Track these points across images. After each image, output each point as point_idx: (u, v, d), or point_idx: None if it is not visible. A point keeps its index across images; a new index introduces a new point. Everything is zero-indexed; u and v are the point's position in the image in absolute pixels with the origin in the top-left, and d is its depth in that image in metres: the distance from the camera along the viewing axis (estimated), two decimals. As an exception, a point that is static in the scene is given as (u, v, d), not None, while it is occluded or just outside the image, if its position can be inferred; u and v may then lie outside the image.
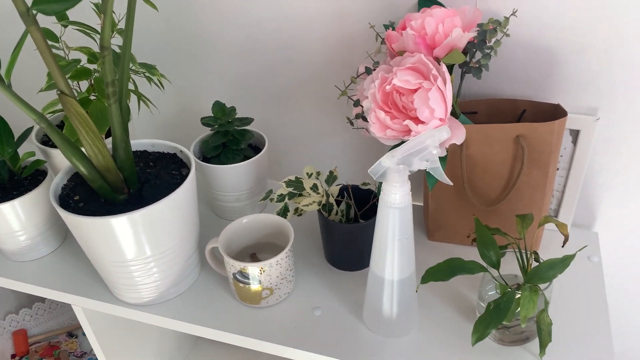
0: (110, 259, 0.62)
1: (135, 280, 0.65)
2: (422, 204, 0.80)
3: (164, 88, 0.78)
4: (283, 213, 0.72)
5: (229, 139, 0.77)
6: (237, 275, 0.65)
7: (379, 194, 0.60)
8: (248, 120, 0.79)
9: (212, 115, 0.77)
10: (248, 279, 0.65)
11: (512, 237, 0.62)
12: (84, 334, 1.06)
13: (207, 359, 1.02)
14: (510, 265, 0.61)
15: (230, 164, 0.76)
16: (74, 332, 1.06)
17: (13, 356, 0.99)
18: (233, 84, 0.85)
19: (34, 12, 0.44)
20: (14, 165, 0.72)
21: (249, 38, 0.80)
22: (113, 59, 0.53)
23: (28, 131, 0.73)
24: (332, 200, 0.71)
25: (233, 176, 0.77)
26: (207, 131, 0.81)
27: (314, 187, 0.70)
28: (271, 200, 0.72)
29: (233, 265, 0.64)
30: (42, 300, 1.06)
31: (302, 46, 0.78)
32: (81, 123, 0.53)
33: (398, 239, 0.55)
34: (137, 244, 0.60)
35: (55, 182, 0.63)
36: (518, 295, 0.56)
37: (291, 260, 0.67)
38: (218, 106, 0.77)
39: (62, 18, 0.72)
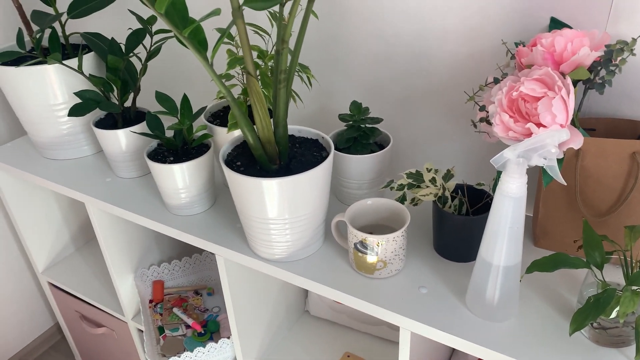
0: (256, 215, 0.75)
1: (272, 237, 0.78)
2: (531, 215, 0.86)
3: (311, 86, 0.92)
4: (401, 200, 0.81)
5: (360, 134, 0.89)
6: (358, 245, 0.75)
7: (494, 191, 0.67)
8: (378, 120, 0.90)
9: (349, 112, 0.89)
10: (366, 249, 0.75)
11: (618, 244, 0.66)
12: (208, 294, 1.22)
13: (306, 331, 1.14)
14: (613, 276, 0.65)
15: (359, 154, 0.87)
16: (200, 291, 1.23)
17: (151, 301, 1.18)
18: (367, 87, 0.97)
19: (244, 7, 0.58)
20: (188, 136, 0.89)
21: (386, 47, 0.91)
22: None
23: (202, 110, 0.90)
24: (447, 194, 0.79)
25: (360, 166, 0.88)
26: (341, 126, 0.93)
27: (433, 180, 0.79)
28: (391, 188, 0.82)
29: (355, 235, 0.75)
30: (179, 258, 1.24)
31: (434, 58, 0.88)
32: (258, 100, 0.67)
33: (509, 226, 0.62)
34: (279, 206, 0.73)
35: (223, 149, 0.79)
36: (619, 294, 0.60)
37: (405, 241, 0.76)
38: (355, 105, 0.89)
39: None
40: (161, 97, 0.86)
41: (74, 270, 1.34)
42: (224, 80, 0.81)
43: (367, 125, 0.89)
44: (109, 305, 1.23)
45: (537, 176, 0.86)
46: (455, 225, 0.77)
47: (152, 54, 0.97)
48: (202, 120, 0.93)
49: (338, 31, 0.94)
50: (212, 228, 0.90)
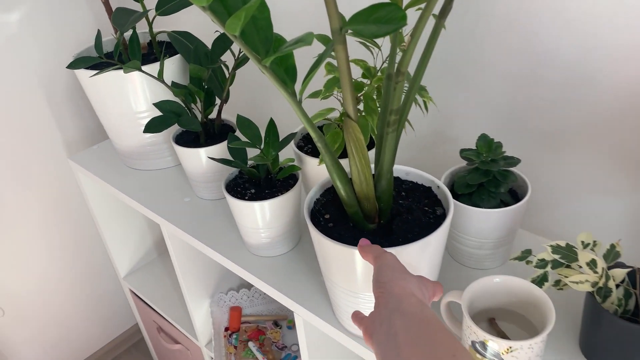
0: (344, 285, 0.59)
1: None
2: None
3: (427, 111, 0.73)
4: (540, 281, 0.60)
5: (489, 180, 0.68)
6: (477, 345, 0.56)
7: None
8: (514, 162, 0.69)
9: (475, 148, 0.69)
10: (487, 352, 0.55)
11: None
12: (288, 327, 1.09)
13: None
14: None
15: (483, 207, 0.67)
16: (280, 322, 1.10)
17: (226, 329, 1.07)
18: (502, 115, 0.76)
19: (347, 30, 0.41)
20: (273, 168, 0.74)
21: (534, 66, 0.69)
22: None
23: (291, 136, 0.75)
24: (611, 284, 0.57)
25: (483, 221, 0.68)
26: (460, 161, 0.73)
27: (592, 264, 0.57)
28: (527, 262, 0.61)
29: (475, 332, 0.56)
30: (260, 284, 1.13)
31: (601, 84, 0.65)
32: (357, 149, 0.50)
33: None
34: (355, 277, 0.56)
35: (309, 195, 0.62)
36: None
37: (544, 346, 0.56)
38: (484, 140, 0.68)
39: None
40: (243, 123, 0.72)
41: (154, 280, 1.27)
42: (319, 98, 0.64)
43: (500, 169, 0.68)
44: (184, 326, 1.14)
45: None
46: (619, 331, 0.55)
47: (241, 61, 0.83)
48: (291, 145, 0.78)
49: (468, 42, 0.74)
50: (293, 277, 0.75)
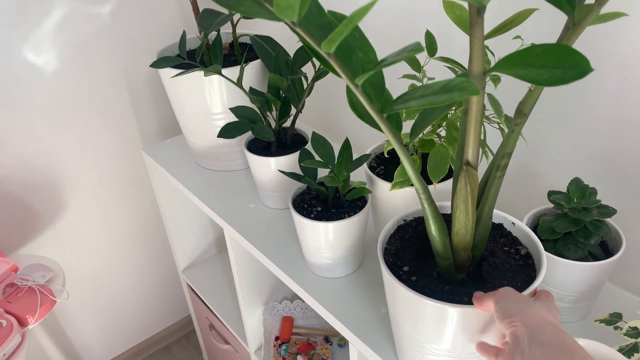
0: (419, 338, 0.55)
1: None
2: None
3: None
4: (629, 351, 0.54)
5: (578, 229, 0.62)
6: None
7: None
8: (609, 212, 0.62)
9: (567, 193, 0.63)
10: None
11: None
12: (338, 345, 1.06)
13: None
14: None
15: (569, 257, 0.61)
16: (331, 338, 1.07)
17: (277, 338, 1.06)
18: (597, 160, 0.69)
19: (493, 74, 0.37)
20: (343, 188, 0.71)
21: (634, 114, 0.62)
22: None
23: (364, 158, 0.72)
24: None
25: (567, 273, 0.62)
26: (543, 202, 0.67)
27: (696, 345, 0.50)
28: (616, 328, 0.55)
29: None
30: (314, 298, 1.10)
31: None
32: (472, 199, 0.45)
33: None
34: (458, 336, 0.51)
35: (383, 234, 0.58)
36: None
37: None
38: (577, 185, 0.62)
39: (431, 51, 0.67)
40: (317, 141, 0.69)
41: (211, 276, 1.29)
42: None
43: (592, 219, 0.62)
44: (235, 329, 1.14)
45: None
46: None
47: (321, 74, 0.81)
48: (363, 167, 0.75)
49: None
50: (352, 302, 0.72)
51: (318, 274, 0.77)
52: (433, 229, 0.48)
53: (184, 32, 0.87)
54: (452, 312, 0.49)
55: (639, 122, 0.63)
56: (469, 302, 0.49)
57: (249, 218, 0.89)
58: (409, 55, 0.32)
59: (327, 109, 1.11)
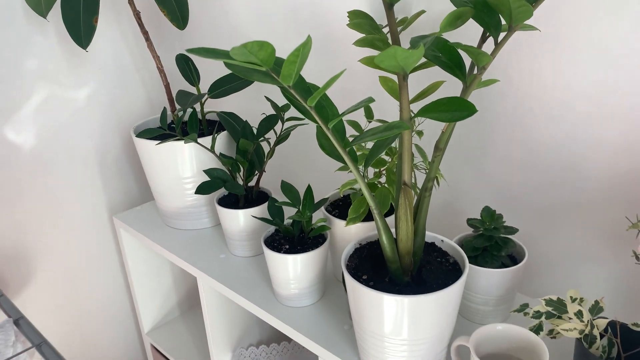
0: (379, 331, 0.68)
1: (386, 356, 0.70)
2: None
3: (439, 185, 0.87)
4: (536, 330, 0.71)
5: (491, 244, 0.81)
6: (483, 380, 0.66)
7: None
8: (513, 230, 0.81)
9: (480, 218, 0.82)
10: (493, 387, 0.65)
11: None
12: (302, 385, 1.16)
13: None
14: None
15: (487, 267, 0.79)
16: (295, 380, 1.17)
17: (245, 384, 1.14)
18: (502, 192, 0.89)
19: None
20: (307, 226, 0.87)
21: (529, 154, 0.84)
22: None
23: (323, 201, 0.88)
24: (596, 332, 0.67)
25: (487, 280, 0.79)
26: (466, 230, 0.86)
27: (579, 314, 0.68)
28: (525, 314, 0.72)
29: (481, 369, 0.65)
30: (278, 342, 1.20)
31: (583, 169, 0.79)
32: (409, 210, 0.63)
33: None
34: (413, 325, 0.66)
35: (345, 252, 0.74)
36: None
37: (540, 383, 0.65)
38: (488, 212, 0.82)
39: (369, 115, 0.87)
40: (286, 188, 0.86)
41: (176, 336, 1.35)
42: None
43: (501, 235, 0.81)
44: (204, 381, 1.21)
45: None
46: (605, 373, 0.65)
47: (281, 139, 0.98)
48: (321, 209, 0.91)
49: (476, 133, 0.89)
50: (318, 325, 0.85)
51: (287, 304, 0.90)
52: (384, 237, 0.65)
53: (165, 108, 1.03)
54: (403, 301, 0.64)
55: (528, 162, 0.85)
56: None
57: (221, 266, 1.01)
58: (363, 106, 0.50)
59: (285, 172, 1.28)
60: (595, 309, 0.70)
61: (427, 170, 0.64)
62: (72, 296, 1.37)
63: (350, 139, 0.62)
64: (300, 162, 1.21)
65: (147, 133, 1.01)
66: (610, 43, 0.70)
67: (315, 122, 0.54)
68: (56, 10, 1.01)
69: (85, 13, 0.95)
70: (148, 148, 1.06)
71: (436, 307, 0.66)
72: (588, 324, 0.67)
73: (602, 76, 0.73)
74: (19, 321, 0.56)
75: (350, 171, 0.84)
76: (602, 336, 0.68)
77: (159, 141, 1.00)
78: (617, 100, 0.72)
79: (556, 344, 0.76)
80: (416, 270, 0.71)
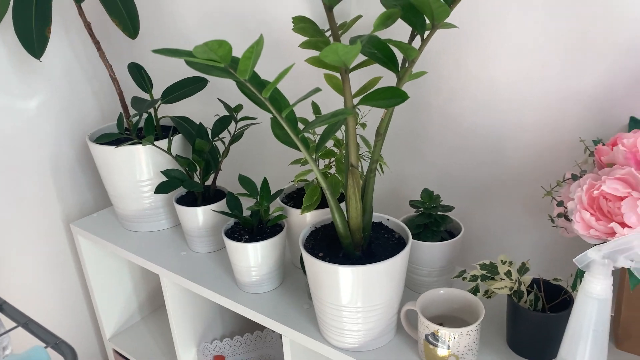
0: (336, 301, 0.76)
1: (344, 324, 0.78)
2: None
3: (382, 173, 0.95)
4: (474, 292, 0.80)
5: (431, 221, 0.90)
6: (429, 337, 0.74)
7: (573, 289, 0.66)
8: (449, 208, 0.91)
9: (420, 199, 0.91)
10: (438, 342, 0.73)
11: None
12: (266, 373, 1.21)
13: None
14: None
15: (429, 242, 0.88)
16: (259, 369, 1.22)
17: (211, 377, 1.18)
18: (440, 175, 0.99)
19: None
20: (265, 216, 0.93)
21: (461, 139, 0.94)
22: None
23: (279, 192, 0.95)
24: (523, 288, 0.77)
25: (429, 253, 0.88)
26: (411, 212, 0.95)
27: (508, 273, 0.77)
28: (463, 279, 0.81)
29: (427, 327, 0.74)
30: (241, 334, 1.25)
31: (508, 150, 0.90)
32: (357, 190, 0.70)
33: (593, 329, 0.60)
34: (363, 293, 0.74)
35: (302, 234, 0.81)
36: None
37: (478, 335, 0.75)
38: (426, 192, 0.91)
39: (316, 111, 0.95)
40: (244, 180, 0.92)
41: (139, 339, 1.37)
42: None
43: (439, 212, 0.90)
44: (170, 378, 1.24)
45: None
46: (532, 321, 0.75)
47: (235, 138, 1.04)
48: (277, 201, 0.98)
49: (415, 123, 0.98)
50: (279, 307, 0.91)
51: (249, 291, 0.95)
52: (336, 215, 0.72)
53: (121, 113, 1.07)
54: (357, 271, 0.72)
55: (461, 146, 0.95)
56: (366, 264, 0.73)
57: (182, 263, 1.06)
58: (311, 95, 0.57)
59: (239, 170, 1.34)
60: (523, 269, 0.80)
61: (372, 154, 0.72)
62: (28, 308, 1.36)
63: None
64: (254, 159, 1.27)
65: (104, 138, 1.04)
66: (521, 37, 0.82)
67: (270, 112, 0.61)
68: (5, 22, 1.03)
69: (37, 23, 0.97)
70: (105, 153, 1.09)
71: (386, 274, 0.74)
72: (516, 281, 0.77)
73: (518, 66, 0.84)
74: (2, 306, 0.59)
75: (303, 164, 0.92)
76: (529, 292, 0.78)
77: (116, 145, 1.04)
78: (532, 87, 0.84)
79: (491, 302, 0.86)
80: (366, 245, 0.79)
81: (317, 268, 0.75)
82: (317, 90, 0.58)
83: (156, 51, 0.51)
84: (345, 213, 0.75)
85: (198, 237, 1.07)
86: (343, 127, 0.77)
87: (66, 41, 1.29)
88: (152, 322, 1.44)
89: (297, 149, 0.67)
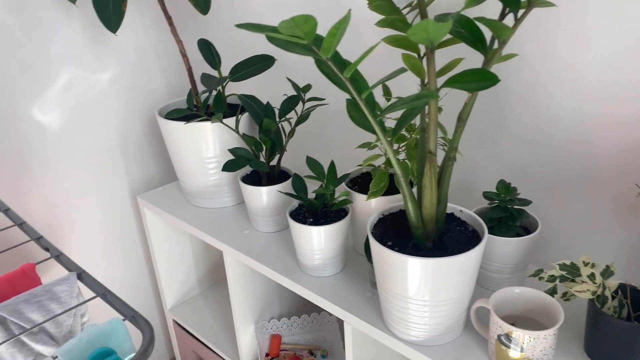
0: (403, 292, 0.73)
1: (409, 317, 0.75)
2: None
3: (455, 161, 0.90)
4: (551, 293, 0.75)
5: (506, 215, 0.85)
6: (502, 338, 0.70)
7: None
8: (526, 202, 0.85)
9: (496, 191, 0.86)
10: (511, 343, 0.69)
11: None
12: (322, 356, 1.21)
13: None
14: None
15: (503, 237, 0.83)
16: (314, 351, 1.22)
17: (267, 354, 1.19)
18: (515, 168, 0.93)
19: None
20: (330, 199, 0.91)
21: (540, 130, 0.88)
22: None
23: (345, 176, 0.92)
24: (607, 293, 0.72)
25: (504, 249, 0.83)
26: (484, 203, 0.90)
27: (592, 276, 0.72)
28: (540, 278, 0.76)
29: (501, 327, 0.70)
30: (299, 315, 1.25)
31: (593, 145, 0.83)
32: (434, 178, 0.67)
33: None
34: (432, 286, 0.70)
35: (370, 220, 0.78)
36: None
37: (556, 340, 0.70)
38: (503, 184, 0.86)
39: (387, 93, 0.91)
40: (312, 163, 0.90)
41: (198, 312, 1.40)
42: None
43: (515, 206, 0.85)
44: (227, 353, 1.26)
45: None
46: (616, 330, 0.69)
47: (302, 119, 1.03)
48: (341, 186, 0.95)
49: (490, 110, 0.93)
50: (341, 293, 0.89)
51: (310, 274, 0.94)
52: (409, 203, 0.69)
53: (190, 90, 1.07)
54: (427, 263, 0.69)
55: (541, 138, 0.89)
56: (438, 257, 0.69)
57: (245, 241, 1.06)
58: (396, 75, 0.54)
59: (302, 151, 1.33)
60: (607, 273, 0.74)
61: (449, 142, 0.68)
62: (96, 273, 1.42)
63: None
64: (317, 140, 1.25)
65: (173, 114, 1.05)
66: (620, 21, 0.74)
67: (349, 93, 0.58)
68: (83, -3, 1.05)
69: (114, -2, 0.98)
70: (173, 129, 1.10)
71: (457, 269, 0.70)
72: (600, 285, 0.72)
73: (614, 54, 0.76)
74: (82, 275, 0.60)
75: (370, 148, 0.89)
76: (613, 298, 0.73)
77: (186, 121, 1.04)
78: (626, 76, 0.76)
79: (568, 305, 0.81)
80: (438, 236, 0.75)
81: (385, 257, 0.72)
82: (403, 70, 0.54)
83: (239, 26, 0.49)
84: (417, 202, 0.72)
85: (262, 217, 1.07)
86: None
87: (137, 16, 1.31)
88: (210, 295, 1.47)
89: (373, 132, 0.64)
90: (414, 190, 0.75)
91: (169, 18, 1.12)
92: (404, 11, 0.85)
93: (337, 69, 0.54)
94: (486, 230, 0.74)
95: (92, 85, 1.28)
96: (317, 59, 0.55)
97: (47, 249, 0.65)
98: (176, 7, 1.36)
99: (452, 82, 0.57)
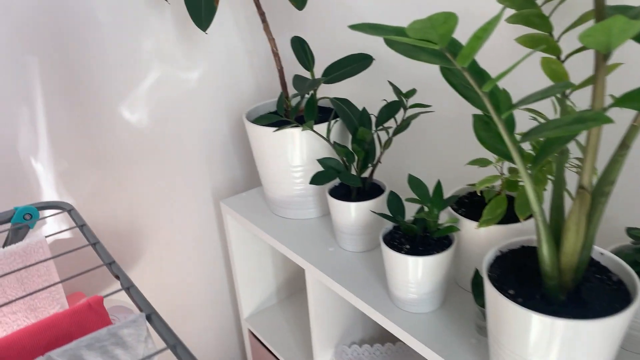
0: (523, 354, 0.60)
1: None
2: None
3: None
4: None
5: (657, 262, 0.68)
6: None
7: None
8: (685, 247, 0.69)
9: (643, 230, 0.70)
10: None
11: None
12: (406, 391, 1.09)
13: None
14: None
15: (651, 289, 0.67)
16: (397, 384, 1.10)
17: (345, 383, 1.09)
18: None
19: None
20: (432, 226, 0.79)
21: None
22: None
23: (452, 198, 0.80)
24: None
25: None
26: (621, 240, 0.74)
27: None
28: None
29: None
30: (382, 342, 1.14)
31: None
32: (581, 221, 0.53)
33: None
34: (551, 350, 0.57)
35: (486, 260, 0.65)
36: None
37: None
38: (654, 223, 0.69)
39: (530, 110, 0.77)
40: (414, 183, 0.78)
41: (274, 323, 1.33)
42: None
43: (669, 253, 0.69)
44: (303, 374, 1.18)
45: None
46: None
47: (401, 128, 0.91)
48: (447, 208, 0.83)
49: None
50: (441, 336, 0.77)
51: (404, 308, 0.83)
52: (545, 247, 0.56)
53: (281, 93, 0.99)
54: (558, 325, 0.55)
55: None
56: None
57: (329, 260, 0.96)
58: (556, 92, 0.41)
59: (395, 162, 1.21)
60: None
61: (602, 172, 0.53)
62: (176, 276, 1.39)
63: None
64: (412, 151, 1.13)
65: (263, 119, 0.97)
66: None
67: (483, 110, 0.46)
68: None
69: (207, -7, 0.92)
70: (260, 134, 1.03)
71: (600, 335, 0.56)
72: None
73: None
74: (152, 317, 0.53)
75: (483, 165, 0.75)
76: None
77: (276, 128, 0.96)
78: None
79: None
80: (574, 287, 0.61)
81: (504, 308, 0.59)
82: (569, 85, 0.41)
83: (354, 27, 0.39)
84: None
85: (349, 235, 0.97)
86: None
87: (229, 13, 1.25)
88: (288, 306, 1.40)
89: (508, 158, 0.51)
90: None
91: (262, 14, 1.05)
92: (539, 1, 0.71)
93: (474, 81, 0.42)
94: (639, 285, 0.59)
95: (180, 84, 1.24)
96: (448, 67, 0.43)
97: (117, 277, 0.60)
98: (268, 2, 1.28)
99: (624, 102, 0.44)
